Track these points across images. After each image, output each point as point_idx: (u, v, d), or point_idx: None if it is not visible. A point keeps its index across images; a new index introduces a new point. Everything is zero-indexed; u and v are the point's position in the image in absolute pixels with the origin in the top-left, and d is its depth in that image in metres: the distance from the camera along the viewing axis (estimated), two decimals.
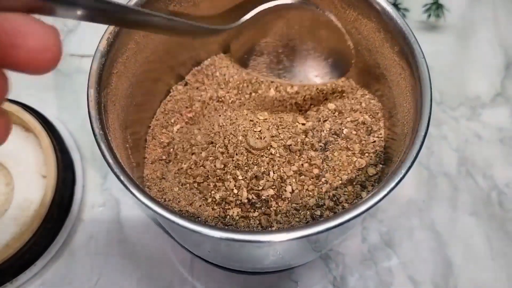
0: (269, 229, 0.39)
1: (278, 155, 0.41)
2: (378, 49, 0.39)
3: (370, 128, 0.42)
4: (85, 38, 0.61)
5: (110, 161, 0.31)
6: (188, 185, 0.42)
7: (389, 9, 0.37)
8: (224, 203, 0.40)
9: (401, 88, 0.37)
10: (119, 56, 0.37)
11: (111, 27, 0.36)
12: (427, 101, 0.34)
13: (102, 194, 0.51)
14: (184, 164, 0.42)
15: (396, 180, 0.31)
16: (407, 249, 0.49)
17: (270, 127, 0.42)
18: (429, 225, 0.50)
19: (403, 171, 0.31)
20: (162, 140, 0.45)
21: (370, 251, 0.49)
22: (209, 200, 0.41)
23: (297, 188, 0.40)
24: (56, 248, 0.46)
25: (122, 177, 0.30)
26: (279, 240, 0.29)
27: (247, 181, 0.40)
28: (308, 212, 0.39)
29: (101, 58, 0.35)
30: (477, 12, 0.63)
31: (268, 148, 0.42)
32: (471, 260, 0.48)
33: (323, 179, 0.41)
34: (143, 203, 0.30)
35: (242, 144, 0.41)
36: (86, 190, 0.51)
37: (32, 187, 0.46)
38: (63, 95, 0.56)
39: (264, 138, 0.42)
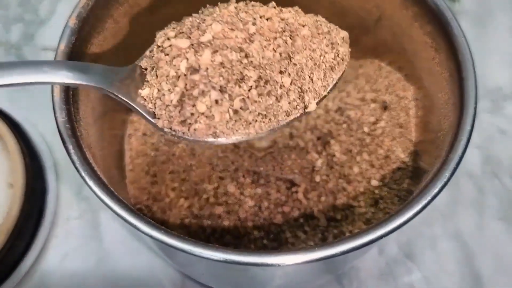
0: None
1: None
2: (405, 31, 0.34)
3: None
4: (59, 30, 0.54)
5: (76, 160, 0.27)
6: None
7: None
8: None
9: (435, 76, 0.32)
10: (94, 35, 0.32)
11: (84, 0, 0.30)
12: (472, 88, 0.29)
13: (78, 205, 0.46)
14: None
15: (441, 185, 0.26)
16: (430, 261, 0.44)
17: None
18: (454, 233, 0.45)
19: (447, 174, 0.26)
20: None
21: (388, 264, 0.44)
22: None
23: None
24: (25, 269, 0.42)
25: (88, 179, 0.26)
26: (291, 263, 0.25)
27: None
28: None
29: (70, 36, 0.31)
30: None
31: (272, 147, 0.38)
32: (502, 272, 0.43)
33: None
34: (112, 210, 0.25)
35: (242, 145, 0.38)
36: (60, 201, 0.45)
37: None
38: (34, 94, 0.50)
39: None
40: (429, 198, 0.25)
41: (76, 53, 0.30)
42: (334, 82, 0.30)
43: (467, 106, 0.28)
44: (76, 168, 0.26)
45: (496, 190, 0.47)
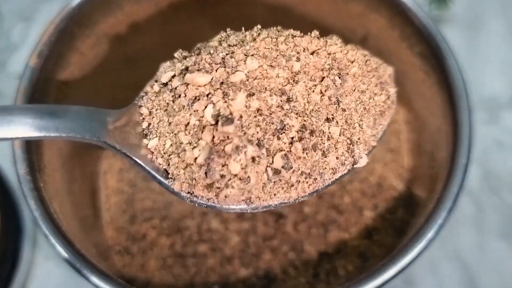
0: None
1: None
2: (392, 51, 0.32)
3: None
4: None
5: (38, 216, 0.25)
6: None
7: None
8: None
9: (425, 99, 0.30)
10: (57, 72, 0.30)
11: (46, 36, 0.28)
12: (464, 115, 0.26)
13: None
14: None
15: (435, 227, 0.23)
16: (430, 285, 0.42)
17: None
18: (454, 254, 0.43)
19: (444, 214, 0.24)
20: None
21: None
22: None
23: None
24: None
25: (51, 237, 0.24)
26: None
27: None
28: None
29: (31, 77, 0.28)
30: (484, 2, 0.56)
31: None
32: None
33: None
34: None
35: None
36: (38, 238, 0.43)
37: None
38: None
39: None
40: (422, 243, 0.23)
41: (38, 94, 0.28)
42: (383, 129, 0.24)
43: (461, 137, 0.26)
44: (39, 225, 0.24)
45: (496, 206, 0.45)
